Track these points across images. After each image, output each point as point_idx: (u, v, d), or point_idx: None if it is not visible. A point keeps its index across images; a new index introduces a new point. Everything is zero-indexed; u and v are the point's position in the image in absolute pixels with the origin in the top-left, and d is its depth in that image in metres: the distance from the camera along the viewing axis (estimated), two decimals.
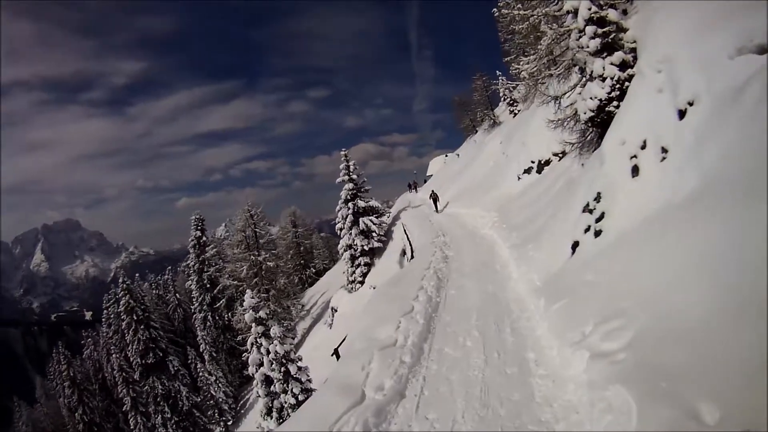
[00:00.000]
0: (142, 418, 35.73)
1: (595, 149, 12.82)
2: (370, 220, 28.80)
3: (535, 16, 12.31)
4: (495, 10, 12.37)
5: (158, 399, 36.68)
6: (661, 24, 8.33)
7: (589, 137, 12.59)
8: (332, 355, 15.98)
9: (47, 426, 45.26)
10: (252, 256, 32.62)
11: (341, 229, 29.77)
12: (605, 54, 10.35)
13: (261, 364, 17.41)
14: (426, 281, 11.30)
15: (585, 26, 10.45)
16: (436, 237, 18.24)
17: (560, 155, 19.56)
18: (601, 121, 11.12)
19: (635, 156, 7.79)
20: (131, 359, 36.69)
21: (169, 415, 35.07)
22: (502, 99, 32.89)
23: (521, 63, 13.64)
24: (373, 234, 28.83)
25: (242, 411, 34.66)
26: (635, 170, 7.73)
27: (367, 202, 29.40)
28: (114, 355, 38.68)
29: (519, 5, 12.75)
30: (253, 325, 18.75)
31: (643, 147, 7.60)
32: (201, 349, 37.54)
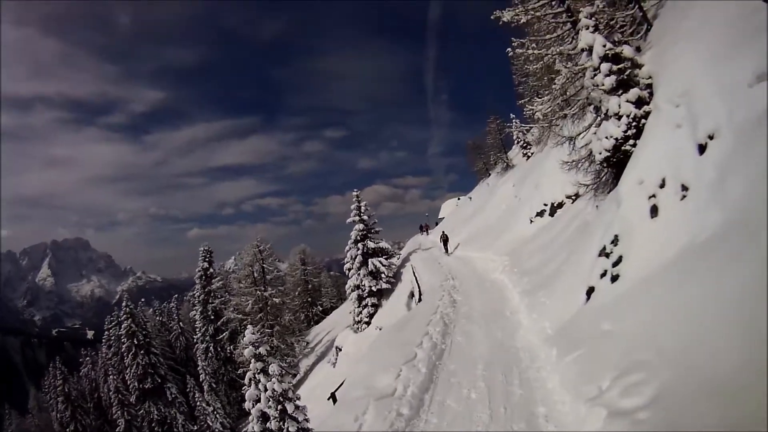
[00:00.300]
0: None
1: (610, 191, 12.38)
2: (380, 261, 28.27)
3: (550, 55, 12.23)
4: (509, 49, 12.28)
5: (153, 424, 35.94)
6: (676, 57, 8.07)
7: (604, 178, 12.17)
8: (329, 398, 15.30)
9: None
10: (258, 291, 32.13)
11: (350, 269, 29.26)
12: (621, 91, 10.10)
13: (258, 400, 16.95)
14: (432, 326, 10.72)
15: (600, 64, 10.24)
16: (445, 280, 17.65)
17: (573, 197, 19.13)
18: (616, 161, 10.74)
19: (654, 195, 7.34)
20: (129, 382, 36.36)
21: None
22: (516, 142, 32.89)
23: (535, 104, 13.48)
24: (382, 275, 28.23)
25: None
26: (654, 210, 7.25)
27: (377, 243, 29.00)
28: (111, 377, 38.40)
29: (533, 45, 12.67)
30: (252, 360, 18.32)
31: (662, 185, 7.16)
32: (201, 379, 36.60)
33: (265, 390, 18.03)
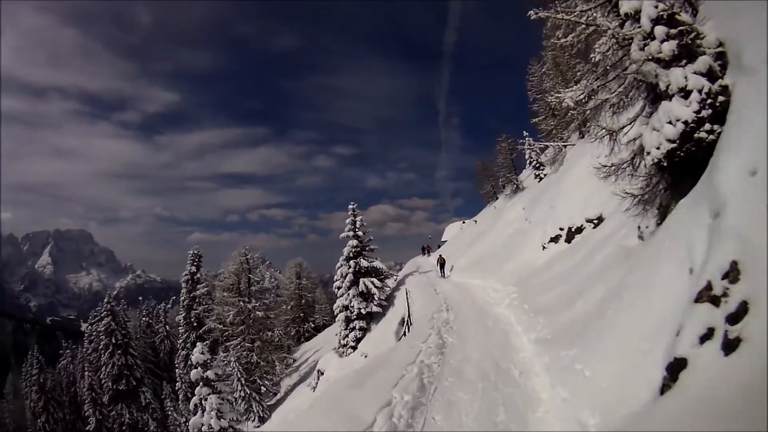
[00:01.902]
0: None
1: (662, 205, 8.51)
2: (372, 282, 24.30)
3: (583, 25, 8.58)
4: (532, 12, 8.65)
5: (124, 428, 32.71)
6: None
7: (656, 187, 8.29)
8: None
9: (9, 425, 40.99)
10: (241, 303, 28.37)
11: (339, 288, 25.34)
12: (684, 61, 6.77)
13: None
14: (401, 390, 6.74)
15: (653, 27, 6.90)
16: (438, 311, 13.67)
17: (596, 222, 15.15)
18: (683, 157, 6.99)
19: None
20: (103, 382, 33.28)
21: None
22: (528, 162, 28.79)
23: (563, 93, 9.81)
24: (374, 297, 24.22)
25: None
26: None
27: (371, 262, 25.09)
28: (87, 373, 35.22)
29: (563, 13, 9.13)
30: (200, 384, 14.80)
31: None
32: (177, 387, 32.66)
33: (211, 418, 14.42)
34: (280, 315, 40.37)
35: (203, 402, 14.46)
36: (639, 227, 8.89)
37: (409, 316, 17.69)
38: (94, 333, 36.96)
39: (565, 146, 24.62)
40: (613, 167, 9.02)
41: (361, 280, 24.34)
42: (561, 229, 16.39)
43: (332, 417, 5.93)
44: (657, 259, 5.50)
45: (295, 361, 34.53)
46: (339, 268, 25.50)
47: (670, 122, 7.05)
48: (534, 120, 26.43)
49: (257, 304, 28.29)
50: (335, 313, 25.50)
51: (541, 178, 26.59)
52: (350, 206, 26.32)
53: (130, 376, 33.14)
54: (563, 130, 25.30)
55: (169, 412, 31.60)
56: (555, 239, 16.50)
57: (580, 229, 15.44)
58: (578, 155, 19.19)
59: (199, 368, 14.57)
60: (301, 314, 41.16)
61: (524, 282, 13.91)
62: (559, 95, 10.34)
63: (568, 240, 15.80)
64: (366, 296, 24.35)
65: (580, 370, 5.63)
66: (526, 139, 27.06)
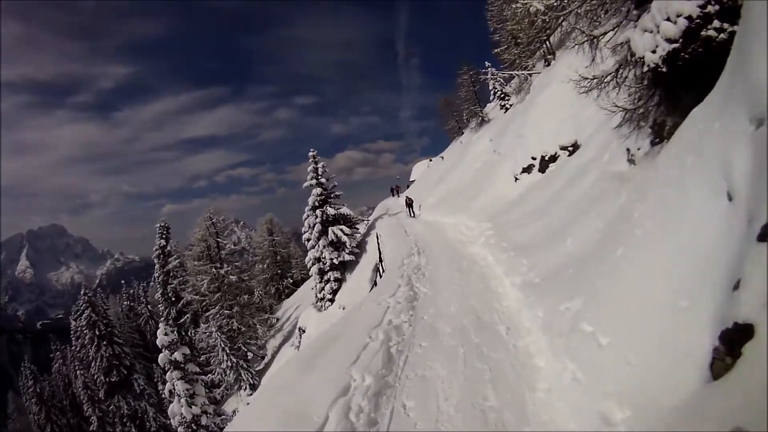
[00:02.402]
0: None
1: (656, 124, 7.22)
2: (341, 230, 23.03)
3: None
4: None
5: (124, 419, 31.55)
6: None
7: (652, 101, 6.93)
8: None
9: None
10: (214, 269, 26.75)
11: (308, 240, 24.04)
12: None
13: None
14: (360, 368, 5.41)
15: None
16: (409, 256, 12.47)
17: (570, 149, 14.00)
18: (686, 62, 5.62)
19: None
20: (95, 376, 31.58)
21: None
22: (492, 93, 27.03)
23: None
24: (345, 246, 23.06)
25: None
26: None
27: (338, 209, 23.63)
28: (79, 371, 33.33)
29: None
30: (170, 368, 13.49)
31: None
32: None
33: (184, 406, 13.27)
34: (257, 275, 39.08)
35: (176, 386, 13.19)
36: (628, 150, 7.61)
37: (381, 261, 16.66)
38: (79, 328, 34.71)
39: (530, 75, 22.92)
40: (595, 80, 7.57)
41: (330, 229, 23.01)
42: (533, 159, 15.17)
43: (271, 418, 4.60)
44: (677, 184, 4.17)
45: (278, 320, 33.69)
46: (306, 218, 24.04)
47: (668, 19, 5.64)
48: (496, 50, 24.35)
49: (229, 269, 26.73)
50: (308, 266, 24.35)
51: (506, 109, 25.01)
52: (310, 153, 24.43)
53: (120, 365, 31.38)
54: (528, 59, 23.49)
55: (164, 396, 30.66)
56: (527, 169, 15.31)
57: (554, 158, 14.26)
58: (545, 83, 17.61)
59: (165, 351, 13.20)
60: (278, 271, 39.82)
61: (499, 217, 12.78)
62: (525, 2, 8.68)
63: (542, 170, 14.65)
64: (337, 245, 23.15)
65: (592, 334, 4.31)
66: (489, 69, 25.01)
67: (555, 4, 7.66)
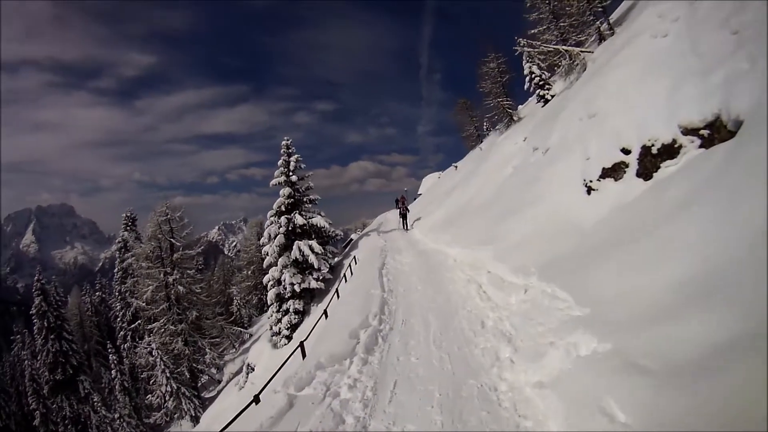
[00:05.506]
0: None
1: None
2: (309, 247, 16.50)
3: None
4: None
5: (66, 422, 26.47)
6: None
7: None
8: None
9: None
10: (162, 275, 20.75)
11: (266, 254, 17.56)
12: None
13: None
14: None
15: None
16: (364, 327, 5.84)
17: (705, 132, 6.26)
18: None
19: None
20: (41, 370, 27.24)
21: None
22: (528, 81, 19.69)
23: None
24: (313, 268, 16.53)
25: None
26: None
27: (308, 218, 17.15)
28: (26, 362, 28.61)
29: None
30: None
31: None
32: (113, 376, 26.29)
33: None
34: (240, 281, 33.27)
35: None
36: None
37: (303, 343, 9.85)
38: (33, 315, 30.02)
39: (582, 52, 15.73)
40: None
41: (297, 243, 16.55)
42: (625, 152, 7.57)
43: None
44: None
45: (251, 336, 27.83)
46: (268, 226, 17.61)
47: None
48: (532, 31, 17.28)
49: (179, 276, 20.62)
50: (267, 287, 17.88)
51: (546, 101, 17.86)
52: (284, 141, 18.01)
53: (66, 363, 26.77)
54: (577, 35, 16.36)
55: (98, 408, 25.27)
56: (613, 172, 7.60)
57: (671, 149, 6.65)
58: (623, 44, 10.33)
59: None
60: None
61: (572, 269, 5.80)
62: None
63: (646, 172, 7.04)
64: (303, 267, 16.64)
65: None
66: (523, 45, 17.59)
67: None
